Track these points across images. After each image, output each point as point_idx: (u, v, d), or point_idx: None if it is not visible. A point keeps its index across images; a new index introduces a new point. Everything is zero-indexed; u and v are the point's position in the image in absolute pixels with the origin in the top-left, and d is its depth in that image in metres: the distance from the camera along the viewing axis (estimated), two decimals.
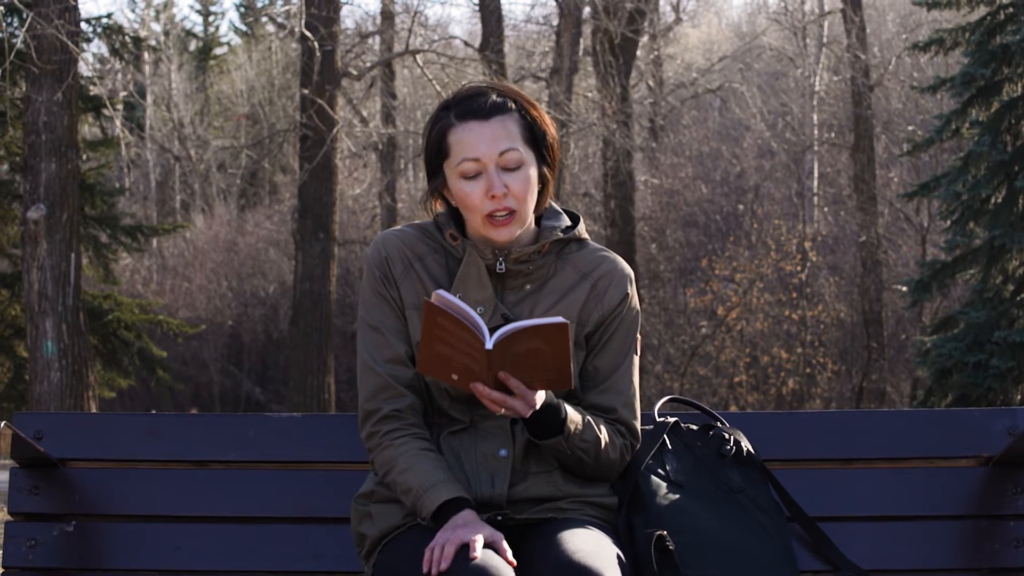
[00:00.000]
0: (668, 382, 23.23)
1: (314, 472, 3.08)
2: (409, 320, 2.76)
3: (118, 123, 17.09)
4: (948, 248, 17.14)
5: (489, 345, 2.53)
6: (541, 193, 2.80)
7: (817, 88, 25.96)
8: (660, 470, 2.85)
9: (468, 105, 2.73)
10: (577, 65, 21.01)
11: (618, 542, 2.68)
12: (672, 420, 2.95)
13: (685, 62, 29.26)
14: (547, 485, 2.73)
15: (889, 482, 3.01)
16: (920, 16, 25.74)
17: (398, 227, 2.86)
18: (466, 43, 22.61)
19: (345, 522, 2.94)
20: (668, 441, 2.90)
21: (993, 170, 15.88)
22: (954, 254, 16.95)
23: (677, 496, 2.81)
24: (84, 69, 17.41)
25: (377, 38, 22.66)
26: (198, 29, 38.37)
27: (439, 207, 2.85)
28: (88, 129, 21.37)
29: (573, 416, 2.71)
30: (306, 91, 17.07)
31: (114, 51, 17.56)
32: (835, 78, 26.63)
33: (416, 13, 19.49)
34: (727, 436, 2.92)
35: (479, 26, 21.49)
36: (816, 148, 26.14)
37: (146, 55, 29.48)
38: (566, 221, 2.85)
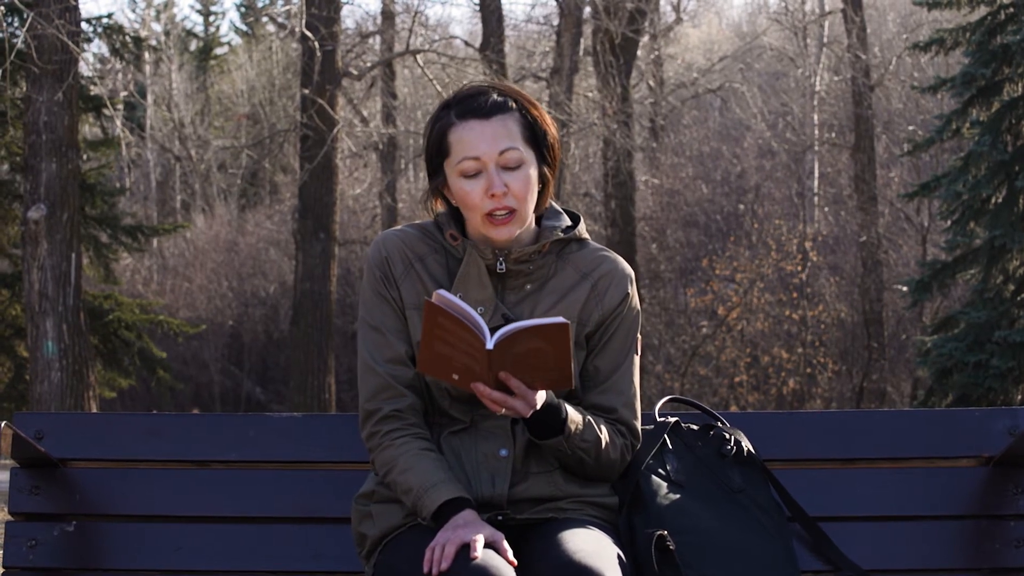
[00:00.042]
0: (669, 382, 23.23)
1: (314, 472, 3.08)
2: (409, 320, 2.76)
3: (119, 123, 17.09)
4: (948, 248, 17.14)
5: (490, 345, 2.53)
6: (541, 193, 2.80)
7: (818, 88, 25.96)
8: (661, 470, 2.85)
9: (469, 104, 2.74)
10: (578, 65, 21.02)
11: (619, 542, 2.68)
12: (673, 420, 2.95)
13: (686, 62, 29.26)
14: (548, 485, 2.73)
15: (890, 482, 3.01)
16: (920, 16, 25.73)
17: (398, 227, 2.86)
18: (467, 43, 22.61)
19: (345, 522, 2.94)
20: (669, 441, 2.90)
21: (994, 170, 15.88)
22: (954, 254, 16.95)
23: (678, 496, 2.81)
24: (85, 69, 17.42)
25: (378, 38, 22.66)
26: (199, 29, 38.39)
27: (439, 207, 2.85)
28: (89, 129, 21.37)
29: (574, 416, 2.71)
30: (307, 91, 17.07)
31: (115, 51, 17.57)
32: (836, 78, 26.62)
33: (416, 13, 19.50)
34: (728, 436, 2.92)
35: (479, 26, 21.49)
36: (817, 148, 26.14)
37: (147, 55, 29.48)
38: (566, 221, 2.85)
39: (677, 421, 2.95)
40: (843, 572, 2.89)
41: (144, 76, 31.72)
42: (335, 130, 17.10)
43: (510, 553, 2.51)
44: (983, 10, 16.93)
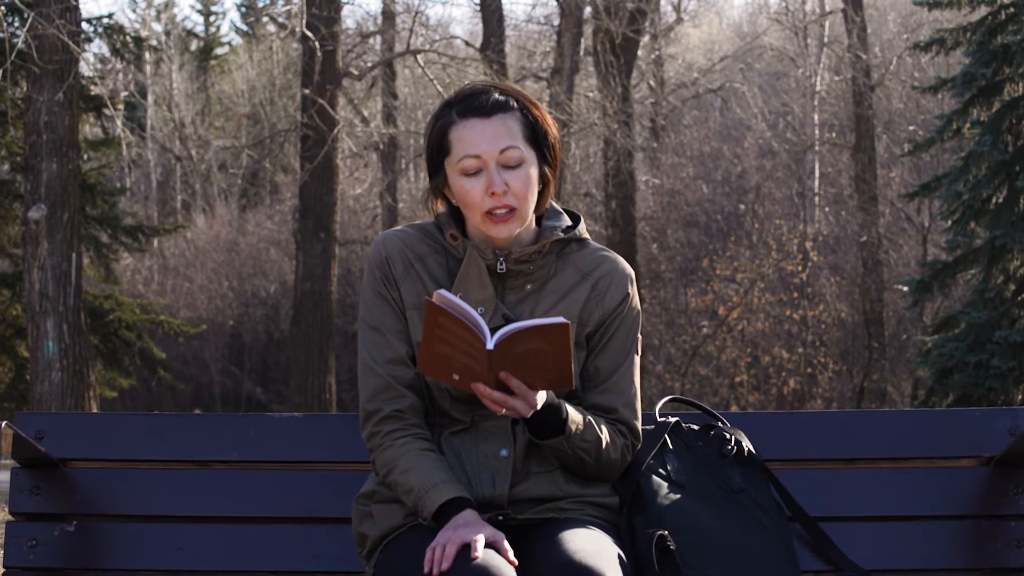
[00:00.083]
0: (669, 382, 23.23)
1: (315, 472, 3.08)
2: (410, 320, 2.76)
3: (119, 123, 17.08)
4: (949, 248, 17.15)
5: (490, 345, 2.53)
6: (542, 193, 2.80)
7: (818, 88, 25.96)
8: (661, 470, 2.85)
9: (470, 102, 2.74)
10: (578, 65, 21.02)
11: (619, 542, 2.68)
12: (673, 420, 2.94)
13: (686, 62, 29.26)
14: (548, 485, 2.73)
15: (890, 482, 3.01)
16: (921, 16, 25.73)
17: (399, 227, 2.86)
18: (467, 43, 22.61)
19: (345, 522, 2.94)
20: (669, 441, 2.90)
21: (994, 170, 15.88)
22: (955, 254, 16.95)
23: (678, 496, 2.81)
24: (85, 69, 17.42)
25: (378, 38, 22.66)
26: (199, 29, 38.39)
27: (440, 206, 2.85)
28: (89, 129, 21.38)
29: (574, 416, 2.71)
30: (307, 91, 17.07)
31: (115, 51, 17.57)
32: (836, 78, 26.63)
33: (417, 13, 19.51)
34: (728, 436, 2.92)
35: (480, 26, 21.50)
36: (817, 148, 26.14)
37: (147, 55, 29.48)
38: (567, 221, 2.85)
39: (678, 421, 2.95)
40: (844, 572, 2.89)
41: (145, 76, 31.72)
42: (336, 130, 17.10)
43: (511, 553, 2.51)
44: (983, 10, 16.93)
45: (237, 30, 38.66)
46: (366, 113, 22.94)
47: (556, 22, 21.56)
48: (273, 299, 28.35)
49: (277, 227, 29.46)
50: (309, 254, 17.33)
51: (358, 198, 27.87)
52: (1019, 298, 16.06)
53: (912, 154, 20.02)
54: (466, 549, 2.48)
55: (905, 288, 19.65)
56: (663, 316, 24.47)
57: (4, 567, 3.01)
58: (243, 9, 37.95)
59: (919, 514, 2.99)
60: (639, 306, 2.86)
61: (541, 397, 2.64)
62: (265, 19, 31.35)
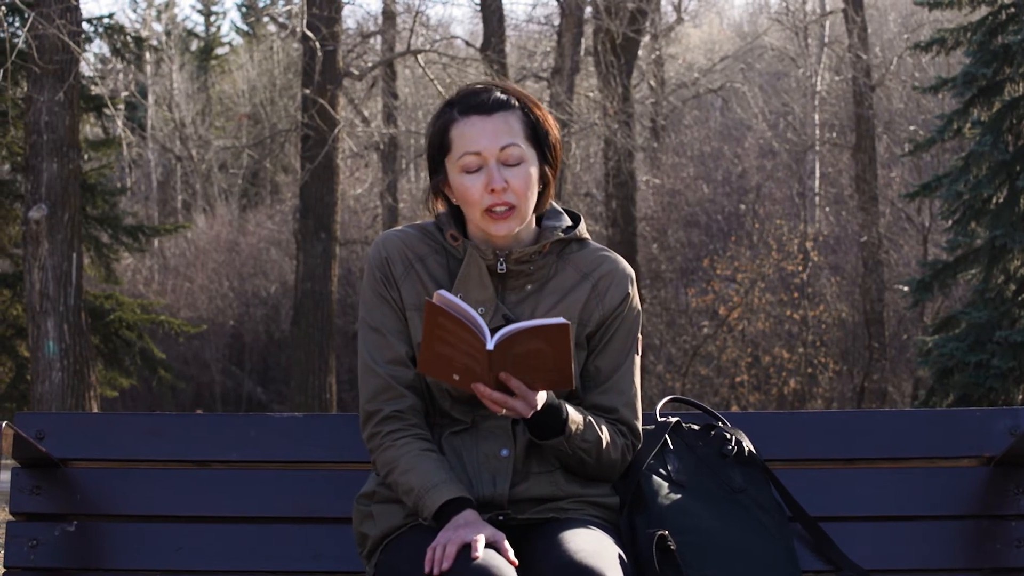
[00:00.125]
0: (670, 382, 23.23)
1: (315, 472, 3.08)
2: (410, 321, 2.76)
3: (119, 123, 17.08)
4: (949, 248, 17.15)
5: (490, 346, 2.53)
6: (542, 194, 2.80)
7: (819, 88, 25.96)
8: (662, 470, 2.85)
9: (471, 100, 2.74)
10: (579, 65, 21.02)
11: (620, 542, 2.68)
12: (674, 420, 2.94)
13: (687, 62, 29.26)
14: (549, 485, 2.73)
15: (890, 482, 3.01)
16: (922, 16, 25.73)
17: (399, 227, 2.86)
18: (468, 43, 22.62)
19: (345, 522, 2.94)
20: (670, 441, 2.90)
21: (995, 170, 15.88)
22: (955, 254, 16.95)
23: (679, 496, 2.80)
24: (86, 69, 17.41)
25: (379, 38, 22.67)
26: (199, 29, 38.40)
27: (440, 206, 2.85)
28: (90, 129, 21.38)
29: (574, 416, 2.71)
30: (308, 91, 17.07)
31: (115, 51, 17.58)
32: (836, 78, 26.63)
33: (417, 13, 19.51)
34: (729, 436, 2.92)
35: (480, 26, 21.50)
36: (818, 148, 26.14)
37: (147, 55, 29.48)
38: (567, 221, 2.85)
39: (678, 421, 2.95)
40: (844, 572, 2.89)
41: (145, 76, 31.72)
42: (336, 130, 17.11)
43: (511, 553, 2.51)
44: (984, 10, 16.93)
45: (238, 30, 38.68)
46: (367, 113, 22.95)
47: (556, 22, 21.56)
48: (274, 299, 28.36)
49: (278, 227, 29.46)
50: (310, 254, 17.33)
51: (359, 198, 27.87)
52: (1019, 298, 16.06)
53: (913, 154, 20.02)
54: (467, 549, 2.48)
55: (906, 288, 19.65)
56: (664, 316, 24.47)
57: (5, 567, 3.01)
58: (244, 9, 37.97)
59: (919, 514, 2.99)
60: (639, 306, 2.86)
61: (541, 397, 2.64)
62: (266, 19, 31.35)
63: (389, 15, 21.95)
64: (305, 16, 16.58)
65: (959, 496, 3.00)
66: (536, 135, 2.75)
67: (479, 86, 2.78)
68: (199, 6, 38.46)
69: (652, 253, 24.92)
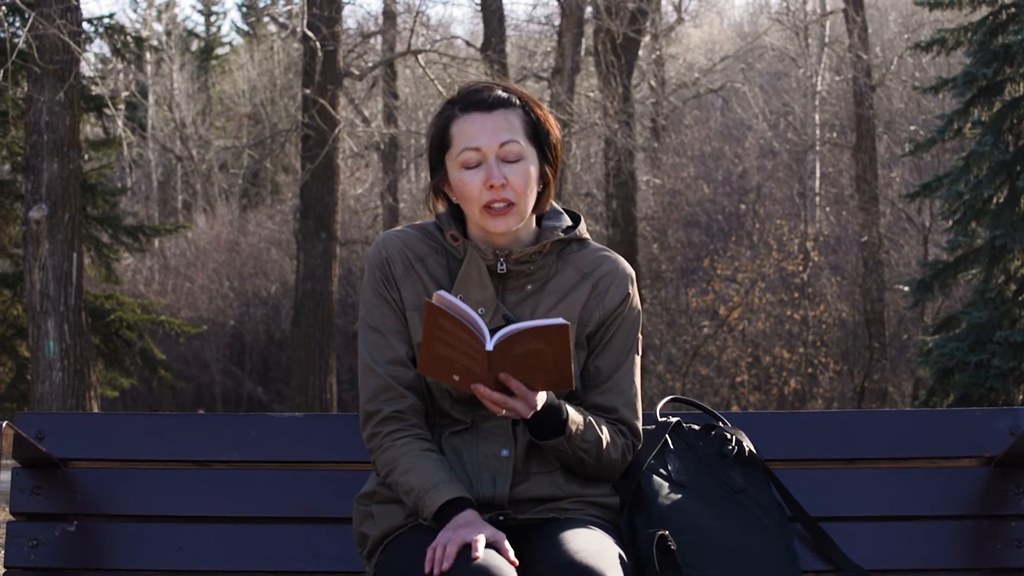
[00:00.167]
0: (670, 382, 23.23)
1: (315, 472, 3.08)
2: (410, 321, 2.76)
3: (120, 123, 17.07)
4: (950, 248, 17.15)
5: (489, 347, 2.53)
6: (542, 194, 2.80)
7: (819, 88, 25.96)
8: (662, 470, 2.85)
9: (472, 98, 2.75)
10: (579, 65, 21.02)
11: (620, 542, 2.68)
12: (674, 420, 2.94)
13: (687, 62, 29.26)
14: (549, 485, 2.73)
15: (891, 482, 3.01)
16: (922, 16, 25.73)
17: (399, 228, 2.86)
18: (468, 43, 22.62)
19: (346, 522, 2.94)
20: (670, 441, 2.90)
21: (995, 170, 15.87)
22: (956, 254, 16.95)
23: (679, 496, 2.80)
24: (86, 69, 17.41)
25: (379, 38, 22.67)
26: (200, 29, 38.39)
27: (441, 206, 2.85)
28: (90, 129, 21.39)
29: (574, 417, 2.71)
30: (308, 91, 17.07)
31: (116, 51, 17.59)
32: (837, 78, 26.63)
33: (418, 13, 19.52)
34: (729, 436, 2.92)
35: (481, 26, 21.50)
36: (818, 148, 26.14)
37: (148, 55, 29.48)
38: (567, 221, 2.85)
39: (678, 421, 2.95)
40: (844, 572, 2.89)
41: (145, 76, 31.72)
42: (336, 130, 17.11)
43: (511, 553, 2.51)
44: (984, 10, 16.93)
45: (238, 30, 38.68)
46: (367, 113, 22.95)
47: (557, 22, 21.56)
48: (274, 299, 28.36)
49: (278, 227, 29.46)
50: (310, 254, 17.33)
51: (359, 198, 27.87)
52: (1020, 298, 16.06)
53: (913, 154, 20.02)
54: (467, 549, 2.48)
55: (906, 288, 19.66)
56: (664, 316, 24.47)
57: (5, 567, 3.01)
58: (244, 9, 37.97)
59: (919, 514, 2.99)
60: (639, 306, 2.86)
61: (541, 398, 2.64)
62: (266, 19, 31.36)
63: (389, 15, 21.95)
64: (305, 16, 16.58)
65: (959, 496, 3.00)
66: (537, 134, 2.75)
67: (481, 84, 2.79)
68: (199, 6, 38.47)
69: (652, 253, 24.92)
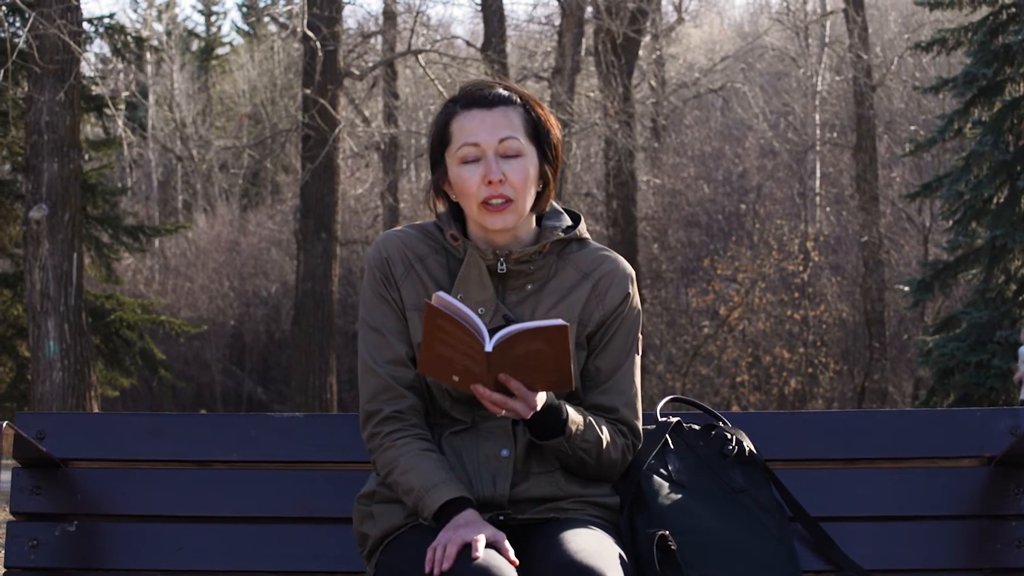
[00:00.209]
0: (670, 382, 23.23)
1: (316, 472, 3.08)
2: (410, 321, 2.76)
3: (120, 123, 17.08)
4: (950, 248, 17.16)
5: (489, 347, 2.53)
6: (543, 194, 2.79)
7: (819, 88, 25.96)
8: (662, 470, 2.85)
9: (473, 95, 2.75)
10: (579, 65, 21.02)
11: (620, 542, 2.68)
12: (674, 420, 2.94)
13: (687, 62, 29.26)
14: (549, 485, 2.73)
15: (891, 482, 3.01)
16: (922, 16, 25.73)
17: (399, 228, 2.86)
18: (468, 43, 22.63)
19: (346, 522, 2.94)
20: (670, 441, 2.90)
21: (995, 170, 15.88)
22: (956, 254, 16.96)
23: (679, 496, 2.80)
24: (86, 69, 17.41)
25: (379, 38, 22.68)
26: (200, 29, 38.41)
27: (441, 206, 2.85)
28: (90, 129, 21.39)
29: (574, 417, 2.70)
30: (308, 91, 17.08)
31: (116, 51, 17.59)
32: (837, 78, 26.63)
33: (418, 13, 19.53)
34: (729, 436, 2.92)
35: (481, 26, 21.50)
36: (818, 148, 26.15)
37: (148, 55, 29.50)
38: (567, 221, 2.85)
39: (679, 421, 2.94)
40: (844, 572, 2.89)
41: (146, 76, 31.73)
42: (337, 130, 17.11)
43: (511, 553, 2.51)
44: (985, 10, 16.93)
45: (238, 30, 38.69)
46: (367, 113, 22.96)
47: (557, 22, 21.57)
48: (274, 299, 28.37)
49: (278, 227, 29.47)
50: (310, 254, 17.33)
51: (359, 198, 27.88)
52: (1020, 298, 16.06)
53: (913, 154, 20.03)
54: (467, 549, 2.48)
55: (906, 288, 19.66)
56: (664, 316, 24.47)
57: (5, 567, 3.01)
58: (244, 9, 37.98)
59: (920, 514, 2.99)
60: (640, 306, 2.86)
61: (541, 398, 2.64)
62: (266, 19, 31.37)
63: (390, 15, 21.96)
64: (306, 16, 16.58)
65: (959, 496, 2.99)
66: (537, 133, 2.76)
67: (482, 82, 2.80)
68: (200, 6, 38.49)
69: (652, 253, 24.92)
